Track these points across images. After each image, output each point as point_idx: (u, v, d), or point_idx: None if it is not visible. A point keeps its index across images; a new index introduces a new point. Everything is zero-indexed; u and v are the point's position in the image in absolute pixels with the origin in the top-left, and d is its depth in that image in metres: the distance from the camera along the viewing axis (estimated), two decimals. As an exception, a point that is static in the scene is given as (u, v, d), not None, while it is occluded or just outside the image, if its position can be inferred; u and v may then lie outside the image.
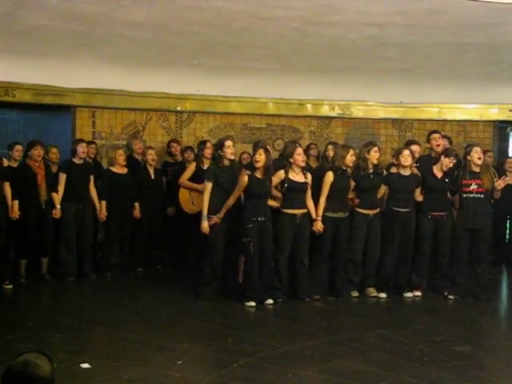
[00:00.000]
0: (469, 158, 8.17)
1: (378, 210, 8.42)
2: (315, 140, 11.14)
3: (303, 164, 8.08)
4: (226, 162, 8.08)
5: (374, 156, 8.31)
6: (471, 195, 8.13)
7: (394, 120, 11.64)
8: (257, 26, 7.68)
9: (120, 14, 7.26)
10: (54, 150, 9.35)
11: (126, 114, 10.88)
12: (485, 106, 11.56)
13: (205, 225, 7.92)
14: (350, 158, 8.18)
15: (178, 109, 11.06)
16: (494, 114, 11.66)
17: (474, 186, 8.11)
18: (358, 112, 11.55)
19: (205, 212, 7.94)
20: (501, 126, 11.92)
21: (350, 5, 6.84)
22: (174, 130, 11.07)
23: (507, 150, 11.92)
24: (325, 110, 11.50)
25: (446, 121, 11.66)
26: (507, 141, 12.22)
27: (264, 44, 8.52)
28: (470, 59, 9.17)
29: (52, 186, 8.79)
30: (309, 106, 11.44)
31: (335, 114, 11.51)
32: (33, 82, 10.05)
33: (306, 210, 8.03)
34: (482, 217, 8.15)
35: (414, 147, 8.79)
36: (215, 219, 7.91)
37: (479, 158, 8.11)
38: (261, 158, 7.87)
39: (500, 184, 8.16)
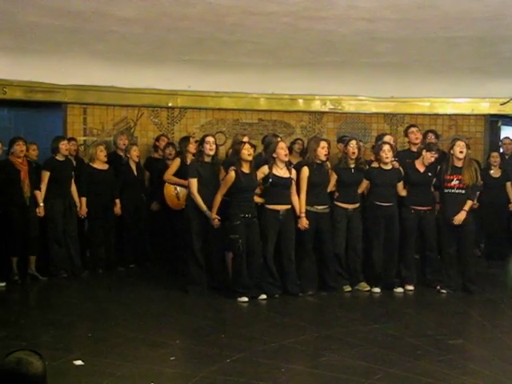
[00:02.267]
0: (452, 152, 8.18)
1: (358, 205, 8.43)
2: (307, 135, 11.13)
3: (286, 158, 8.06)
4: (207, 158, 8.07)
5: (349, 150, 8.32)
6: (452, 191, 8.15)
7: (385, 114, 11.65)
8: (248, 22, 7.67)
9: (111, 10, 7.23)
10: (33, 146, 9.26)
11: (118, 110, 10.86)
12: (476, 99, 11.58)
13: (211, 216, 7.89)
14: (322, 151, 8.16)
15: (170, 105, 11.05)
16: (486, 107, 11.68)
17: (455, 182, 8.12)
18: (349, 107, 11.56)
19: (204, 207, 7.93)
20: (492, 119, 11.94)
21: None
22: (166, 126, 11.06)
23: (498, 144, 11.94)
24: (316, 105, 11.51)
25: (437, 115, 11.68)
26: (498, 135, 12.24)
27: (255, 39, 8.51)
28: (461, 53, 9.18)
29: (35, 183, 8.75)
30: (300, 101, 11.44)
31: (327, 109, 11.51)
32: (24, 78, 10.02)
33: (289, 206, 8.02)
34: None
35: (388, 137, 8.85)
36: (211, 217, 7.90)
37: (461, 152, 8.11)
38: (252, 151, 7.89)
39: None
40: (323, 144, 8.22)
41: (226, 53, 9.33)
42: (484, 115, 11.76)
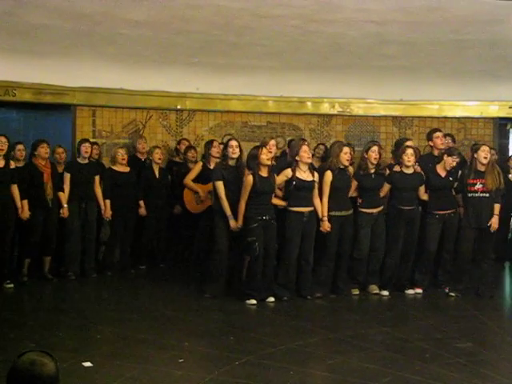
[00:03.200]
0: (475, 156, 8.17)
1: (382, 207, 8.43)
2: (315, 138, 11.13)
3: (309, 161, 8.08)
4: (231, 162, 8.08)
5: (371, 155, 8.30)
6: (476, 195, 8.13)
7: (394, 117, 11.63)
8: (257, 24, 7.68)
9: (120, 12, 7.26)
10: (60, 149, 9.37)
11: (127, 112, 10.87)
12: (485, 102, 11.55)
13: (233, 223, 7.89)
14: (345, 156, 8.16)
15: (178, 107, 11.06)
16: (495, 110, 11.65)
17: (478, 186, 8.11)
18: (358, 109, 11.55)
19: (228, 212, 7.91)
20: (501, 122, 11.91)
21: (349, 2, 6.84)
22: (175, 129, 11.07)
23: (507, 147, 11.93)
24: (325, 108, 11.49)
25: (446, 118, 11.65)
26: (507, 138, 12.23)
27: (264, 42, 8.52)
28: (470, 56, 9.17)
29: (58, 185, 8.82)
30: (309, 103, 11.43)
31: (335, 112, 11.50)
32: (33, 81, 10.05)
33: (312, 208, 8.04)
34: (487, 216, 8.14)
35: (410, 142, 8.86)
36: (234, 225, 7.91)
37: (485, 158, 8.10)
38: (269, 155, 7.90)
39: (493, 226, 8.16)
40: (346, 149, 8.22)
41: (235, 55, 9.35)
42: (493, 118, 11.72)
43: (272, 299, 7.89)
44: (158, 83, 10.52)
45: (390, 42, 8.38)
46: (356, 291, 8.38)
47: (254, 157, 7.91)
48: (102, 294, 8.51)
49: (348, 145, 8.65)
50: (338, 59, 9.46)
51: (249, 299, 7.78)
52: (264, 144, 8.09)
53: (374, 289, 8.40)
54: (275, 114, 11.39)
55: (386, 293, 8.36)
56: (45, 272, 8.82)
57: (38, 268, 8.81)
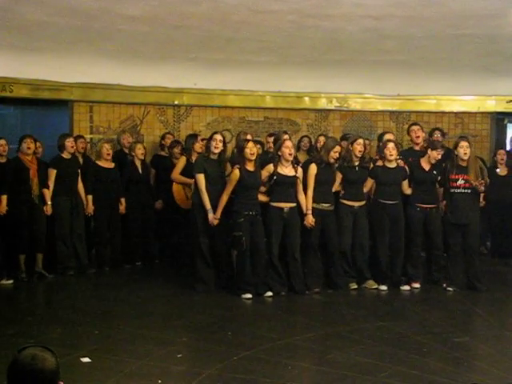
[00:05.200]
0: (456, 152, 8.18)
1: (364, 202, 8.44)
2: (313, 133, 11.14)
3: (290, 158, 8.04)
4: (213, 155, 8.08)
5: (356, 148, 8.32)
6: (458, 190, 8.15)
7: (391, 112, 11.65)
8: (254, 20, 7.67)
9: (117, 8, 7.25)
10: (37, 144, 9.23)
11: (124, 108, 10.87)
12: (482, 97, 11.56)
13: (211, 217, 7.91)
14: (333, 155, 8.18)
15: (176, 103, 11.06)
16: (492, 105, 11.67)
17: (460, 181, 8.13)
18: (355, 104, 11.56)
19: (208, 205, 7.92)
20: (498, 117, 11.92)
21: (346, -3, 6.84)
22: (172, 124, 11.07)
23: (505, 142, 11.92)
24: (322, 103, 11.51)
25: (443, 113, 11.66)
26: (505, 132, 12.23)
27: (261, 37, 8.51)
28: (467, 51, 9.17)
29: (44, 182, 8.78)
30: (306, 98, 11.44)
31: (333, 107, 11.51)
32: (30, 76, 10.05)
33: (294, 204, 8.02)
34: (470, 212, 8.18)
35: (389, 135, 8.90)
36: (212, 219, 7.91)
37: (465, 153, 8.11)
38: (255, 150, 7.90)
39: (478, 186, 8.14)
40: (337, 148, 8.24)
41: (232, 51, 9.34)
42: (490, 113, 11.74)
43: (270, 293, 7.90)
44: (156, 79, 10.52)
45: (387, 36, 8.38)
46: (354, 285, 8.39)
47: (240, 150, 7.92)
48: (100, 289, 8.49)
49: (340, 144, 8.62)
50: (335, 54, 9.45)
51: (244, 293, 7.79)
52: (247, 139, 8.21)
53: (372, 284, 8.41)
54: (273, 109, 11.40)
55: (384, 288, 8.37)
56: (39, 268, 8.77)
57: (31, 265, 8.78)
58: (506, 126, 12.29)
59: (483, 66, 10.11)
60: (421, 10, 7.20)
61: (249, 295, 7.79)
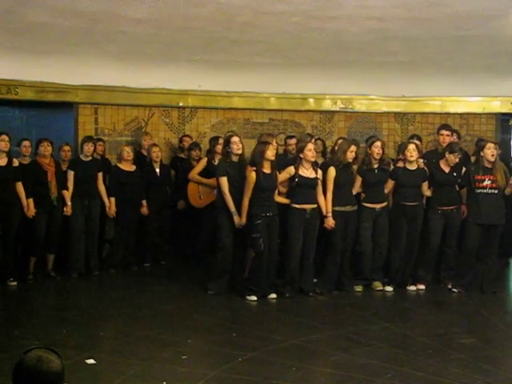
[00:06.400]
0: (482, 154, 8.15)
1: (385, 203, 8.44)
2: (317, 134, 11.12)
3: (313, 159, 8.10)
4: (234, 158, 8.09)
5: (373, 151, 8.33)
6: (485, 191, 8.12)
7: (396, 113, 11.62)
8: (258, 21, 7.67)
9: (122, 10, 7.25)
10: (66, 147, 9.38)
11: (129, 110, 10.88)
12: (487, 98, 11.53)
13: (237, 220, 7.91)
14: (350, 155, 8.20)
15: (181, 104, 11.06)
16: (497, 106, 11.63)
17: (487, 182, 8.09)
18: (360, 106, 11.54)
19: (233, 208, 7.92)
20: (503, 118, 11.89)
21: (351, -1, 6.84)
22: (177, 126, 11.07)
23: (509, 143, 11.90)
24: (327, 105, 11.49)
25: (448, 114, 11.62)
26: (509, 133, 12.20)
27: (266, 39, 8.51)
28: (472, 52, 9.16)
29: (62, 184, 8.83)
30: (311, 100, 11.42)
31: (337, 108, 11.49)
32: (35, 79, 10.06)
33: (315, 206, 8.04)
34: (497, 212, 8.15)
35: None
36: (238, 222, 7.91)
37: (492, 155, 8.09)
38: (273, 152, 7.91)
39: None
40: (353, 148, 8.26)
41: (237, 52, 9.33)
42: (495, 114, 11.70)
43: (274, 296, 7.91)
44: (160, 81, 10.53)
45: (391, 38, 8.37)
46: (359, 288, 8.39)
47: (260, 153, 7.92)
48: (106, 291, 8.52)
49: (355, 142, 8.66)
50: (339, 56, 9.45)
51: (249, 295, 7.80)
52: (270, 141, 8.18)
53: (378, 285, 8.41)
54: (277, 110, 11.39)
55: (389, 289, 8.37)
56: (48, 270, 8.85)
57: (41, 265, 8.82)
58: (510, 127, 12.26)
59: (488, 67, 10.09)
60: (425, 11, 7.19)
61: (254, 297, 7.80)
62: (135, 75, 10.21)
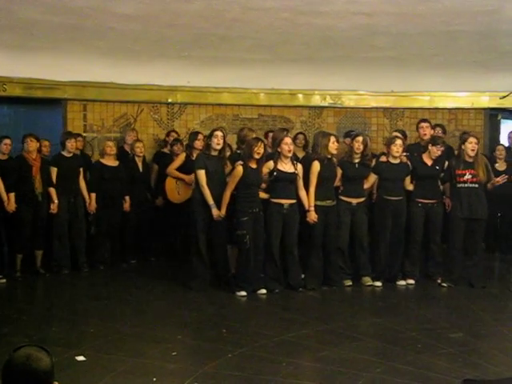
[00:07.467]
0: (463, 147, 8.19)
1: (363, 199, 8.45)
2: (307, 130, 11.14)
3: (289, 154, 8.07)
4: (214, 152, 8.08)
5: (354, 145, 8.40)
6: (466, 185, 8.15)
7: (385, 109, 11.65)
8: (247, 17, 7.65)
9: (110, 6, 7.22)
10: (46, 142, 9.35)
11: (118, 106, 10.86)
12: (476, 93, 11.57)
13: (216, 212, 7.91)
14: (333, 146, 8.20)
15: (170, 101, 11.06)
16: (485, 101, 11.67)
17: (468, 176, 8.13)
18: (349, 101, 11.56)
19: (210, 200, 7.91)
20: (492, 113, 11.93)
21: (339, -6, 6.83)
22: (166, 122, 11.06)
23: (498, 138, 11.94)
24: (316, 100, 11.51)
25: (437, 109, 11.66)
26: (498, 128, 12.24)
27: (254, 35, 8.49)
28: (461, 47, 9.16)
29: (48, 180, 8.79)
30: (300, 96, 11.44)
31: (326, 104, 11.51)
32: (23, 75, 10.02)
33: (294, 201, 8.04)
34: (479, 206, 8.18)
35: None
36: (217, 214, 7.90)
37: (472, 150, 8.13)
38: (261, 148, 7.90)
39: (499, 181, 8.21)
40: (333, 139, 8.25)
41: (226, 48, 9.31)
42: (484, 109, 11.75)
43: (264, 291, 7.92)
44: (149, 77, 10.51)
45: (380, 33, 8.36)
46: (348, 282, 8.40)
47: (250, 148, 7.91)
48: (94, 288, 8.50)
49: (333, 134, 8.64)
50: (328, 51, 9.43)
51: (239, 291, 7.80)
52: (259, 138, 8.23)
53: (368, 281, 8.43)
54: (266, 106, 11.40)
55: (379, 284, 8.40)
56: (37, 266, 8.81)
57: (30, 263, 8.79)
58: (499, 122, 12.30)
59: (477, 62, 10.10)
60: (414, 6, 7.19)
61: (244, 293, 7.81)
62: (124, 71, 10.18)
